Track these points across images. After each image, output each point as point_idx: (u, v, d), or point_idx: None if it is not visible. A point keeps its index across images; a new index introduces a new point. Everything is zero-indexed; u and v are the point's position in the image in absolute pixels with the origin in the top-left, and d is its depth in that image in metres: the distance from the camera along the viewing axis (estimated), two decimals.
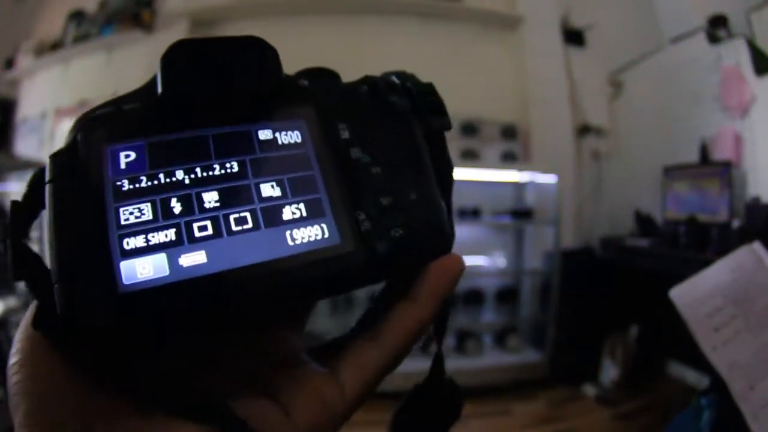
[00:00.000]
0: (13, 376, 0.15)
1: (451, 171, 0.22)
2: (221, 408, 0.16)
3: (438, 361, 0.24)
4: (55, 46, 2.94)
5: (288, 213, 0.18)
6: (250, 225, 0.17)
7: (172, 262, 0.16)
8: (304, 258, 0.17)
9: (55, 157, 0.17)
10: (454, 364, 2.34)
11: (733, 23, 2.17)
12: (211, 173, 0.17)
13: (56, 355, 0.15)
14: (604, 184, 2.86)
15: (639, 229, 2.51)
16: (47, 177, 0.17)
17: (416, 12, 2.65)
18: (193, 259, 0.16)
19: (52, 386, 0.15)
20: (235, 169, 0.18)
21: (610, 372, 2.27)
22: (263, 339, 0.20)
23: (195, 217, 0.17)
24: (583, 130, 2.84)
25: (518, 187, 2.81)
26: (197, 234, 0.16)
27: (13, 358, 0.16)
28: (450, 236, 0.20)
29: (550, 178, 2.60)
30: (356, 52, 2.44)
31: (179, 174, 0.17)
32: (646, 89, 2.70)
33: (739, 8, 2.12)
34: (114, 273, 0.15)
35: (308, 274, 0.17)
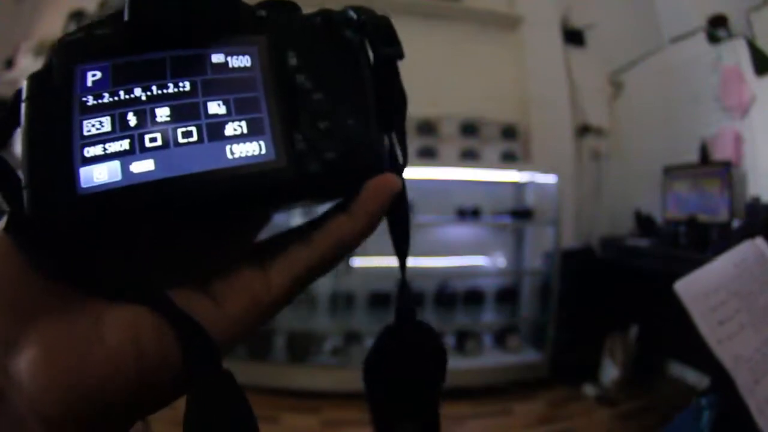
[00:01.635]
0: None
1: (403, 99, 0.23)
2: (156, 293, 0.18)
3: (403, 290, 0.24)
4: None
5: (230, 129, 0.19)
6: (195, 138, 0.19)
7: (125, 169, 0.18)
8: (240, 170, 0.19)
9: (32, 77, 0.19)
10: (454, 364, 2.34)
11: (733, 23, 2.18)
12: (165, 91, 0.19)
13: (21, 255, 0.18)
14: (604, 184, 2.86)
15: (639, 229, 2.51)
16: (23, 96, 0.19)
17: (416, 12, 2.66)
18: (142, 166, 0.18)
19: (16, 278, 0.18)
20: (187, 88, 0.19)
21: (610, 372, 2.26)
22: (203, 246, 0.22)
23: (147, 130, 0.19)
24: (583, 130, 2.84)
25: (518, 187, 2.81)
26: (148, 145, 0.19)
27: None
28: (380, 157, 0.22)
29: (550, 178, 2.60)
30: None
31: (137, 91, 0.19)
32: (646, 89, 2.70)
33: (739, 8, 2.12)
34: (74, 177, 0.18)
35: (241, 183, 0.19)
